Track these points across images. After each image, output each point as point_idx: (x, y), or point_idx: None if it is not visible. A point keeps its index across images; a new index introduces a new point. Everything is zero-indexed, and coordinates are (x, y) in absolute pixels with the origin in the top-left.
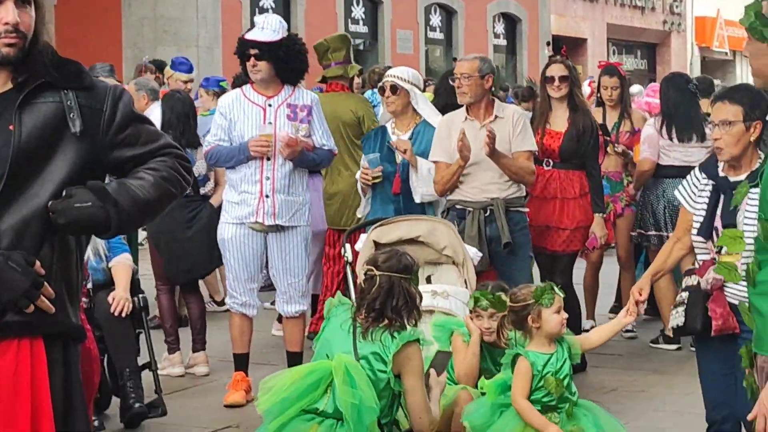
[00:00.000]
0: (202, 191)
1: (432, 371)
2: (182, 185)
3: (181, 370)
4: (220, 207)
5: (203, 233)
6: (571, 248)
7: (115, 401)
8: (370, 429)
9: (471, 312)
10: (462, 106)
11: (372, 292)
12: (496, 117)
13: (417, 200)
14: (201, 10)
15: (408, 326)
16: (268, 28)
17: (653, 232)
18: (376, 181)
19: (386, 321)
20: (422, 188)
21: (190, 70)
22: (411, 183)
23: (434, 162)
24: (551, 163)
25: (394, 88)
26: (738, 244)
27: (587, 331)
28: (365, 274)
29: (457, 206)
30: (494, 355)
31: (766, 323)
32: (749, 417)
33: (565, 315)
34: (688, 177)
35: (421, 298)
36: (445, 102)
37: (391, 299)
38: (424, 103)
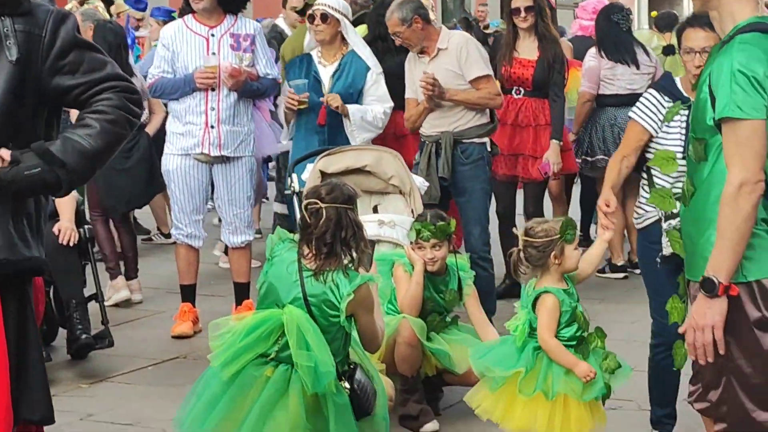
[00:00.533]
0: None
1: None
2: (131, 122)
3: (127, 294)
4: (156, 136)
5: (142, 163)
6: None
7: (62, 333)
8: (327, 386)
9: (413, 243)
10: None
11: (320, 225)
12: (439, 51)
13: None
14: None
15: (356, 256)
16: None
17: (601, 156)
18: (302, 106)
19: (336, 258)
20: (360, 135)
21: (146, 7)
22: (346, 130)
23: (407, 98)
24: (522, 92)
25: (324, 17)
26: (671, 165)
27: None
28: (307, 208)
29: (420, 139)
30: (436, 283)
31: (696, 248)
32: (680, 330)
33: (581, 250)
34: (646, 99)
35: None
36: (374, 34)
37: (340, 231)
38: (353, 34)
